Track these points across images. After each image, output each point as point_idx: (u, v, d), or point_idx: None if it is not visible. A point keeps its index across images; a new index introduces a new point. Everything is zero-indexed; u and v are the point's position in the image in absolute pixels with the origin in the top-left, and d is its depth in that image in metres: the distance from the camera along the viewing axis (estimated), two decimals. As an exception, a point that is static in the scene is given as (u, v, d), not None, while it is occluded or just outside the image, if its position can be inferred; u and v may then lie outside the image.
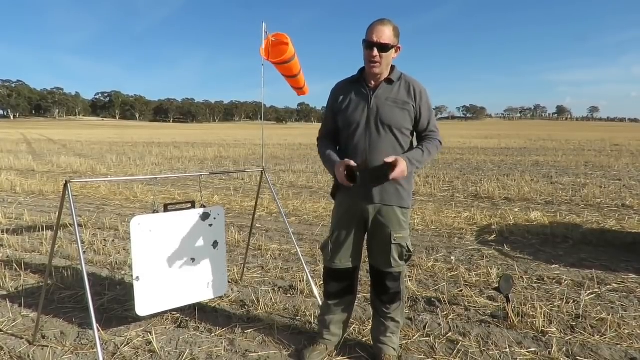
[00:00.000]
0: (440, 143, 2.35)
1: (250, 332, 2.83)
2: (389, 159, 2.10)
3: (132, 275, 2.56)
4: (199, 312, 3.10)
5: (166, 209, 2.70)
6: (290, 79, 3.41)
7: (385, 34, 2.12)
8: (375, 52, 2.12)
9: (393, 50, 2.18)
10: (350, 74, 2.38)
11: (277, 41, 3.15)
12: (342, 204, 2.37)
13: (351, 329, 2.82)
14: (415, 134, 2.35)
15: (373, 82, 2.25)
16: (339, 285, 2.45)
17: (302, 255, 3.57)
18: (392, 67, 2.28)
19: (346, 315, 2.56)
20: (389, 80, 2.24)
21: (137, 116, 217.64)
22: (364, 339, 2.71)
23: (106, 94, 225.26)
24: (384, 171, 2.12)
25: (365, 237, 2.41)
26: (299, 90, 3.53)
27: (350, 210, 2.32)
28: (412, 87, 2.24)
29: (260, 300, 3.26)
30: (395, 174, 2.09)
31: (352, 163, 2.13)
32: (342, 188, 2.34)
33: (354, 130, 2.23)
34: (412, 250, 2.35)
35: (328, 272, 2.47)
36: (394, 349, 2.47)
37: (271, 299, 3.32)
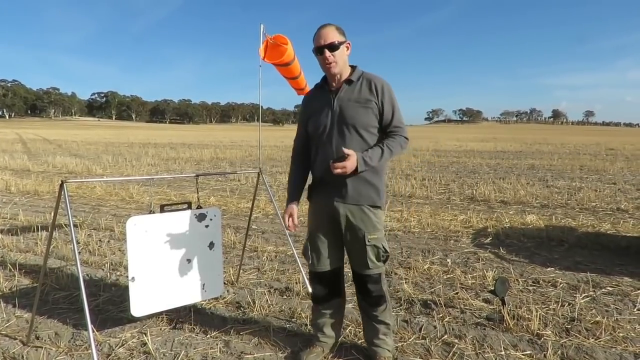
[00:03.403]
0: (406, 139, 2.31)
1: (246, 333, 2.82)
2: (346, 150, 2.11)
3: (127, 276, 2.55)
4: (195, 314, 3.09)
5: (162, 209, 2.69)
6: (291, 80, 3.45)
7: (329, 35, 2.17)
8: (327, 53, 2.17)
9: (344, 48, 2.22)
10: None
11: (275, 43, 3.16)
12: (315, 206, 2.39)
13: (347, 330, 2.82)
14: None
15: (334, 85, 2.28)
16: (324, 288, 2.44)
17: (298, 257, 3.57)
18: (353, 68, 2.30)
19: (338, 318, 2.56)
20: (349, 81, 2.26)
21: (134, 117, 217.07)
22: (360, 341, 2.70)
23: (102, 94, 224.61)
24: (339, 160, 2.12)
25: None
26: (301, 90, 3.57)
27: (323, 211, 2.33)
28: (374, 83, 2.25)
29: (256, 302, 3.25)
30: (337, 166, 2.09)
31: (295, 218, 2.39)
32: (315, 188, 2.36)
33: (321, 134, 2.26)
34: (388, 250, 2.33)
35: (312, 276, 2.48)
36: (389, 350, 2.47)
37: (267, 300, 3.32)
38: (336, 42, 2.16)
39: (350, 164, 2.10)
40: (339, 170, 2.10)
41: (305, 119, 2.37)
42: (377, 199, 2.28)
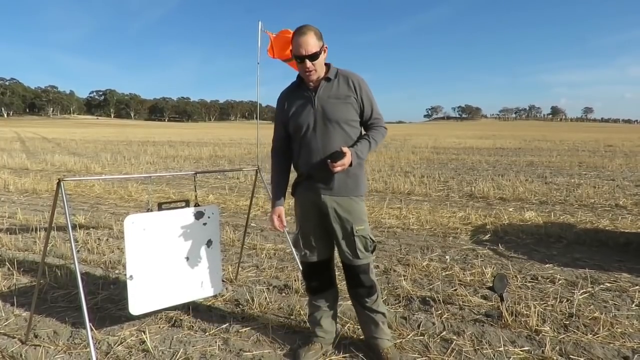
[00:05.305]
0: (385, 128, 2.42)
1: (245, 331, 2.82)
2: (344, 148, 2.16)
3: (125, 274, 2.55)
4: (193, 311, 3.09)
5: (160, 207, 2.69)
6: None
7: (310, 44, 2.17)
8: (308, 63, 2.19)
9: (322, 52, 2.25)
10: None
11: (280, 37, 3.13)
12: (302, 200, 2.43)
13: (346, 327, 2.82)
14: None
15: (312, 84, 2.31)
16: (318, 278, 2.51)
17: (297, 255, 3.57)
18: (328, 66, 2.34)
19: (333, 310, 2.59)
20: (327, 79, 2.31)
21: (132, 115, 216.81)
22: (359, 337, 2.71)
23: (101, 93, 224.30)
24: (337, 158, 2.17)
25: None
26: None
27: (311, 205, 2.38)
28: (350, 80, 2.31)
29: (255, 300, 3.25)
30: (336, 165, 2.14)
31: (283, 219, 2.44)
32: (301, 183, 2.41)
33: (305, 132, 2.30)
34: (375, 240, 2.39)
35: (305, 267, 2.54)
36: (389, 340, 2.50)
37: (266, 298, 3.32)
38: (318, 51, 2.19)
39: (347, 161, 2.17)
40: (339, 168, 2.16)
41: (285, 118, 2.40)
42: (361, 189, 2.38)
